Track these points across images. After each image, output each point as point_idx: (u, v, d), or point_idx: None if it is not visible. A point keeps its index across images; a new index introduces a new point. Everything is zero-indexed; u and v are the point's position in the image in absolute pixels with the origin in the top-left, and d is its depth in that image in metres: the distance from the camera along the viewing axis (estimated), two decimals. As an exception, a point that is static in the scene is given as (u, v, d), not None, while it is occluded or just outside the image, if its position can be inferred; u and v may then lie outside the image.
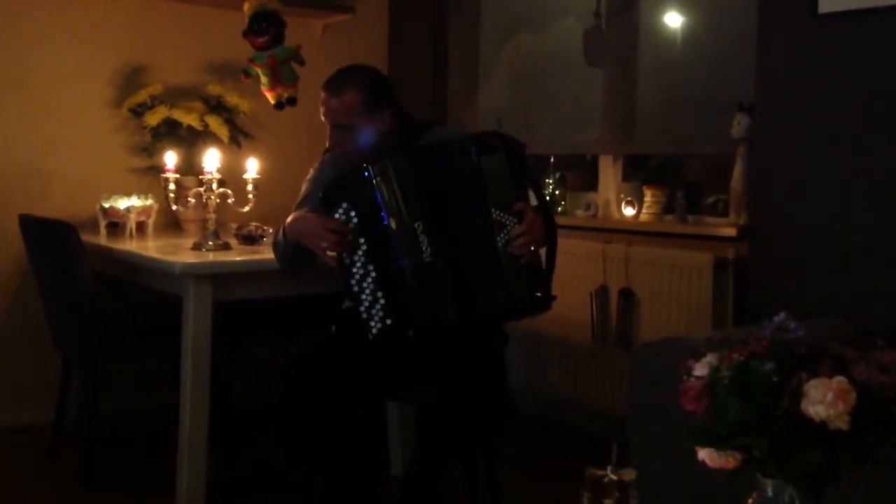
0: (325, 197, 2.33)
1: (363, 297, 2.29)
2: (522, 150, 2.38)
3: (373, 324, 2.29)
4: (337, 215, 2.30)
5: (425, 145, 2.47)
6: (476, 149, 2.30)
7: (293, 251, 2.43)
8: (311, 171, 2.63)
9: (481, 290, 2.31)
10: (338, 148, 2.48)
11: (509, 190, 2.31)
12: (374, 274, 2.29)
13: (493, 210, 2.27)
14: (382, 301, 2.28)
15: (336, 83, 2.46)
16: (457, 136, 2.53)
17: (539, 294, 2.34)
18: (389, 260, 2.28)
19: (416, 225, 2.26)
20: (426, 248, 2.26)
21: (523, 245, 2.28)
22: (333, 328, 2.46)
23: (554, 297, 2.38)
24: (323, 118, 2.47)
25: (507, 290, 2.30)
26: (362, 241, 2.29)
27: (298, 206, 2.55)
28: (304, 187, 2.61)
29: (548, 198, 3.71)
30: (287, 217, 2.48)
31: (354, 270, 2.30)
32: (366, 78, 2.49)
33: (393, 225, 2.26)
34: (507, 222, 2.28)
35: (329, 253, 2.29)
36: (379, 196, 2.26)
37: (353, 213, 2.29)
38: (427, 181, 2.29)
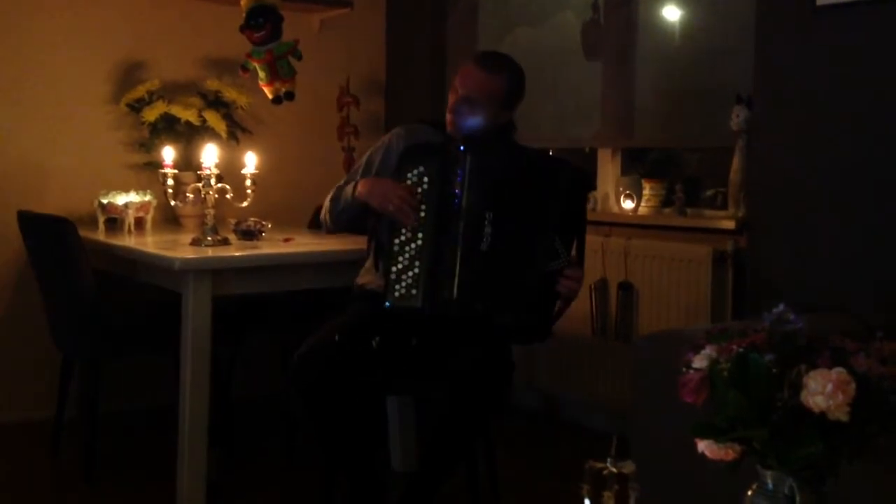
0: (405, 154, 2.38)
1: (400, 258, 2.31)
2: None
3: (398, 287, 2.30)
4: (409, 175, 2.33)
5: (524, 150, 2.52)
6: (573, 178, 2.36)
7: (354, 210, 2.47)
8: (385, 140, 2.63)
9: (514, 301, 2.32)
10: (453, 115, 2.47)
11: (572, 225, 2.36)
12: (419, 242, 2.30)
13: (555, 237, 2.30)
14: (416, 270, 2.29)
15: (493, 62, 2.49)
16: (545, 154, 2.59)
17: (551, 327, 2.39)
18: (441, 237, 2.29)
19: (486, 214, 2.28)
20: (486, 239, 2.28)
21: (571, 289, 2.31)
22: (337, 337, 2.45)
23: (552, 333, 2.42)
24: (455, 83, 2.47)
25: (533, 312, 2.33)
26: (423, 208, 2.31)
27: (362, 172, 2.57)
28: (367, 155, 2.63)
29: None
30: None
31: (403, 231, 2.32)
32: (516, 73, 2.52)
33: (464, 205, 2.28)
34: (562, 254, 2.31)
35: (391, 208, 2.32)
36: (461, 174, 2.29)
37: (425, 179, 2.32)
38: (512, 182, 2.33)
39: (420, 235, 2.31)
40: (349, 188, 2.51)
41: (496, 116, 2.47)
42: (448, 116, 2.50)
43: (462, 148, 2.31)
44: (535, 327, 2.37)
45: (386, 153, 2.57)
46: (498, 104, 2.46)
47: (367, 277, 2.57)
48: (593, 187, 2.50)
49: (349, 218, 2.53)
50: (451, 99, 2.49)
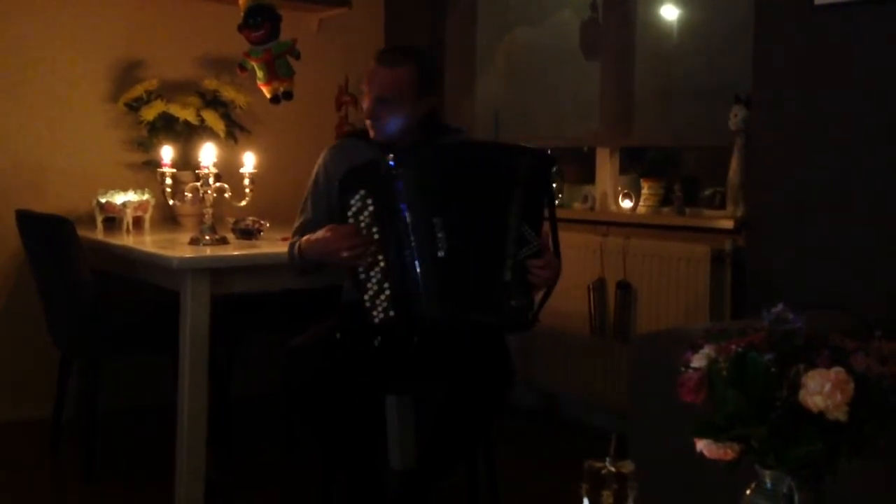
0: (343, 181, 2.31)
1: (368, 285, 2.28)
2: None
3: (375, 313, 2.28)
4: (353, 202, 2.28)
5: (470, 142, 2.47)
6: (526, 161, 2.28)
7: (311, 267, 2.49)
8: (318, 165, 2.60)
9: (489, 297, 2.27)
10: (372, 121, 2.44)
11: (538, 210, 2.29)
12: (382, 264, 2.27)
13: (522, 224, 2.24)
14: (388, 292, 2.27)
15: (393, 56, 2.45)
16: (493, 144, 2.53)
17: (533, 314, 2.33)
18: (401, 252, 2.25)
19: (434, 221, 2.22)
20: (441, 245, 2.22)
21: (544, 278, 2.27)
22: (338, 335, 2.42)
23: (538, 321, 2.37)
24: (365, 88, 2.44)
25: (511, 303, 2.28)
26: (375, 230, 2.27)
27: (304, 205, 2.57)
28: (309, 184, 2.60)
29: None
30: (287, 217, 2.49)
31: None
32: (422, 58, 2.48)
33: (409, 217, 2.23)
34: (532, 240, 2.24)
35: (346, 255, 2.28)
36: (400, 186, 2.23)
37: (369, 201, 2.27)
38: (456, 179, 2.26)
39: (381, 257, 2.27)
40: (296, 248, 2.48)
41: (414, 109, 2.43)
42: (368, 122, 2.46)
43: (392, 164, 2.24)
44: (516, 318, 2.32)
45: (326, 180, 2.52)
46: (412, 96, 2.41)
47: (351, 295, 2.56)
48: (553, 163, 2.42)
49: (313, 271, 2.52)
50: (365, 105, 2.46)
